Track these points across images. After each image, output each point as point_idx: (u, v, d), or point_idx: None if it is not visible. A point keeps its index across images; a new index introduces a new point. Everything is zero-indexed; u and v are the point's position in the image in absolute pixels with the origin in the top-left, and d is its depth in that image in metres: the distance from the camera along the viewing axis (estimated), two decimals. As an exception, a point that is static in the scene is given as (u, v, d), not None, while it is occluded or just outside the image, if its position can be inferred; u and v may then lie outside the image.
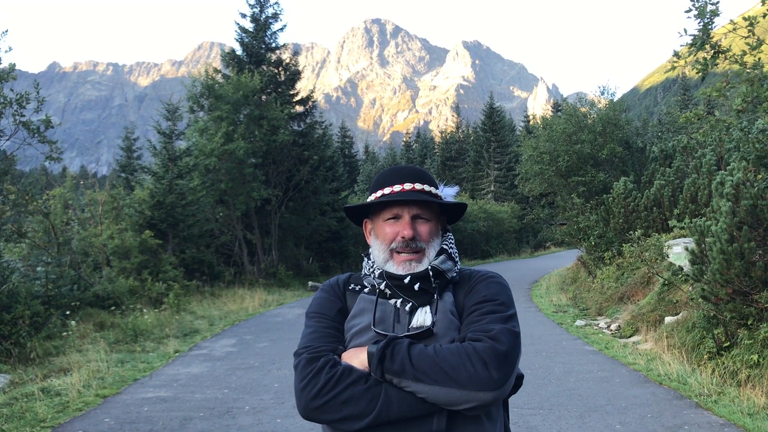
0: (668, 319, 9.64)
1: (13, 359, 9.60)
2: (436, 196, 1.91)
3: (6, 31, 11.48)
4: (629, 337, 10.46)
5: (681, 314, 9.42)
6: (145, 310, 13.60)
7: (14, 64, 11.65)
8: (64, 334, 11.07)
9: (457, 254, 1.96)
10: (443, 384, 1.60)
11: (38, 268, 13.55)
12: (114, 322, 12.54)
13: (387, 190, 1.88)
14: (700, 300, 7.93)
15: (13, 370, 9.08)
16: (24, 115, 11.58)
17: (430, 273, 1.83)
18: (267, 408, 6.83)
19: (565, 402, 6.63)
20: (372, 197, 1.92)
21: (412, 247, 1.85)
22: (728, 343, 7.55)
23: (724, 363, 7.27)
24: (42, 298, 11.90)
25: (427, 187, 1.90)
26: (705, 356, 7.76)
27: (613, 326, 11.42)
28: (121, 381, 8.44)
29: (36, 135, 11.71)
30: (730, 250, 7.13)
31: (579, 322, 12.30)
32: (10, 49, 11.42)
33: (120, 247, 16.15)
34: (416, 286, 1.82)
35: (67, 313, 11.98)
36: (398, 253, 1.86)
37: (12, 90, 11.41)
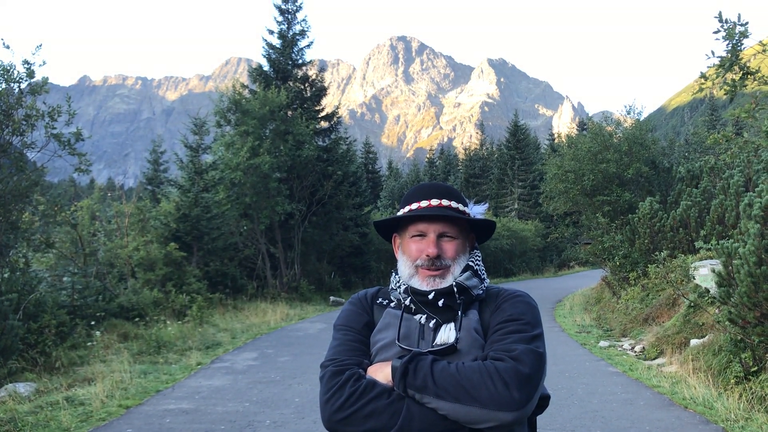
0: (694, 342, 9.49)
1: (39, 368, 9.73)
2: (463, 213, 1.91)
3: (40, 45, 11.70)
4: (654, 359, 10.32)
5: (707, 337, 9.27)
6: (168, 322, 13.70)
7: (47, 78, 11.85)
8: (89, 344, 11.19)
9: (483, 271, 1.95)
10: (464, 402, 1.61)
11: (65, 278, 13.70)
12: (138, 333, 12.65)
13: (414, 206, 1.89)
14: (726, 323, 7.80)
15: (39, 379, 9.20)
16: (55, 128, 11.76)
17: (455, 289, 1.83)
18: (287, 422, 6.83)
19: (588, 424, 6.55)
20: (400, 213, 1.93)
21: (437, 264, 1.85)
22: (756, 368, 7.40)
23: (751, 388, 7.12)
24: (68, 308, 12.04)
25: (454, 204, 1.90)
26: (732, 380, 7.61)
27: (638, 348, 11.27)
28: (144, 392, 8.51)
29: (66, 147, 11.88)
30: (759, 272, 7.01)
31: (603, 343, 12.16)
32: (44, 62, 11.61)
33: (145, 258, 16.32)
34: (440, 303, 1.82)
35: (92, 323, 12.09)
36: (423, 269, 1.86)
37: (44, 103, 11.58)
